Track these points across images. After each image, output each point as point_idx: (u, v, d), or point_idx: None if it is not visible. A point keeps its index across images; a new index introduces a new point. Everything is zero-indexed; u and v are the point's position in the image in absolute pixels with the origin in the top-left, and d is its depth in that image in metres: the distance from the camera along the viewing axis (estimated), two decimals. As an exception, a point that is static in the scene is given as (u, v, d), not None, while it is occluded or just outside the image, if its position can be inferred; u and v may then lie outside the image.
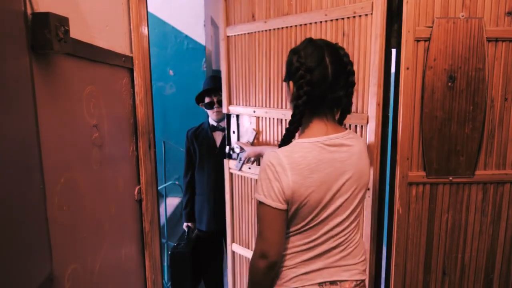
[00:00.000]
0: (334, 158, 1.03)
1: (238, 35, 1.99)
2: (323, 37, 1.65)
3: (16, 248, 0.66)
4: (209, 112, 2.31)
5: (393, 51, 1.55)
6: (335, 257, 1.08)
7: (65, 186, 0.87)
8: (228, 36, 2.05)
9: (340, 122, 1.15)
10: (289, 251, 1.08)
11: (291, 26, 1.76)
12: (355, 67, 1.58)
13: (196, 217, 2.34)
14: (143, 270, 1.48)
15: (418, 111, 1.52)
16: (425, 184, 1.56)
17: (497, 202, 1.58)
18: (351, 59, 1.10)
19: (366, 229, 1.66)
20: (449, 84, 1.49)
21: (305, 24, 1.71)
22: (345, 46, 1.60)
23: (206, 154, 2.28)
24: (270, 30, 1.84)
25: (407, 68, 1.48)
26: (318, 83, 1.02)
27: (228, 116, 2.12)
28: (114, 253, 1.19)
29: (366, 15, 1.52)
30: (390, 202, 1.62)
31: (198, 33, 3.54)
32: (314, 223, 1.05)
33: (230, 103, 2.10)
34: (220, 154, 2.23)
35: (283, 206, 1.01)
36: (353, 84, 1.08)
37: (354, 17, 1.56)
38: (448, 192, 1.57)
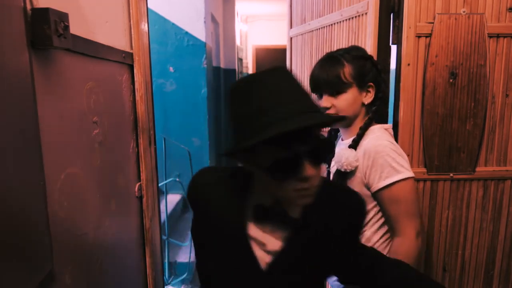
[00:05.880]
0: None
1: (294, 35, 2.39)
2: (340, 36, 1.82)
3: (17, 244, 0.66)
4: None
5: (393, 47, 1.55)
6: None
7: (66, 182, 0.87)
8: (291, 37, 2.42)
9: None
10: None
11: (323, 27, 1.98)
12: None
13: None
14: (144, 266, 1.48)
15: (419, 108, 1.51)
16: (426, 180, 1.56)
17: (498, 198, 1.58)
18: None
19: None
20: (451, 80, 1.48)
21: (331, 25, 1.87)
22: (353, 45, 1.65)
23: None
24: (312, 30, 2.11)
25: (408, 64, 1.48)
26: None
27: None
28: (114, 249, 1.19)
29: (366, 13, 1.54)
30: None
31: (198, 30, 3.53)
32: None
33: None
34: None
35: None
36: None
37: (357, 16, 1.60)
38: (448, 189, 1.57)
